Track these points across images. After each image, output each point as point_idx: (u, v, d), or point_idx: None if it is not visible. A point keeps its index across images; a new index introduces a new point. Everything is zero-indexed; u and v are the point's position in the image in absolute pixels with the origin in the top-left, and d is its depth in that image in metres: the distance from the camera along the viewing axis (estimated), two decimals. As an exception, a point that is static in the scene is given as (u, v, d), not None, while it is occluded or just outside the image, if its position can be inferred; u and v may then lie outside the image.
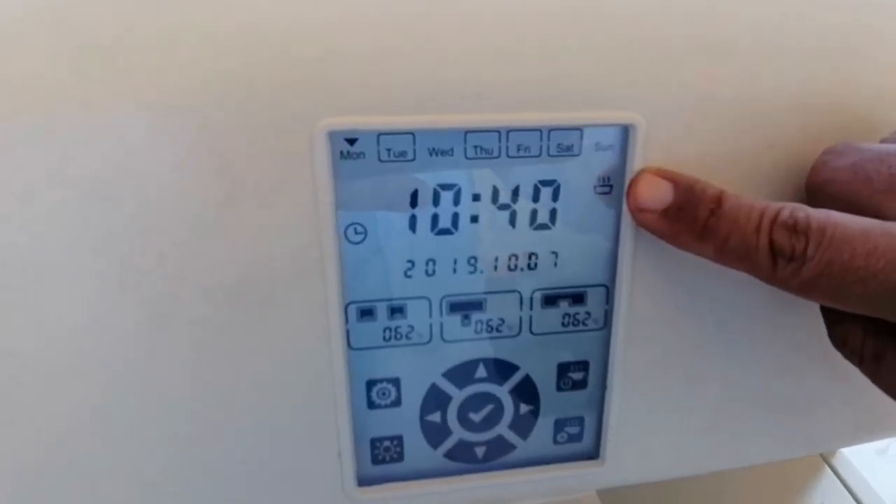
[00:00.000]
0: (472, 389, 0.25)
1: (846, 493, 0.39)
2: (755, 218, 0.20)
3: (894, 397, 0.21)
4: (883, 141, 0.23)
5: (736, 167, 0.23)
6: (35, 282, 0.21)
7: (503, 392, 0.26)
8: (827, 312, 0.23)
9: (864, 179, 0.21)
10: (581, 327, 0.25)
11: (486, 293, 0.24)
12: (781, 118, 0.23)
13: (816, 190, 0.23)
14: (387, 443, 0.26)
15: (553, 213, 0.23)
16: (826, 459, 0.41)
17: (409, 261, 0.23)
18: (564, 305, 0.25)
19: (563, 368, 0.26)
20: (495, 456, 0.27)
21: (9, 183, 0.20)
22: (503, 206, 0.23)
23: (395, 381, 0.25)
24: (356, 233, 0.22)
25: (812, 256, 0.19)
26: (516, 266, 0.24)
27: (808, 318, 0.25)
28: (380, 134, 0.21)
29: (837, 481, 0.40)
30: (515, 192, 0.23)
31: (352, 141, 0.21)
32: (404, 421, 0.25)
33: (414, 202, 0.22)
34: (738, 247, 0.20)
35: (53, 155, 0.20)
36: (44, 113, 0.19)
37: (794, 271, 0.19)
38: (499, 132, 0.22)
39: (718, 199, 0.21)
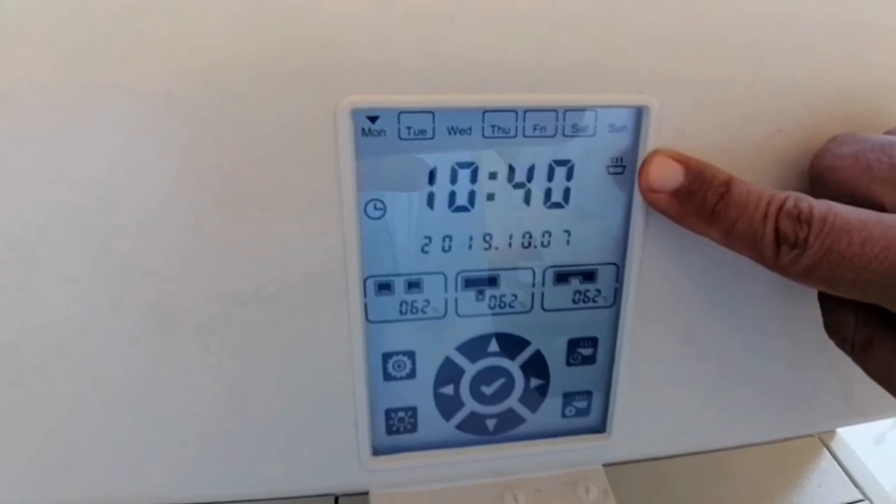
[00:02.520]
0: (484, 363, 0.26)
1: (844, 476, 0.40)
2: (763, 205, 0.21)
3: (881, 383, 0.22)
4: (888, 132, 0.24)
5: (746, 150, 0.24)
6: (46, 285, 0.22)
7: (514, 366, 0.26)
8: (822, 302, 0.24)
9: (864, 168, 0.21)
10: (591, 304, 0.26)
11: (500, 269, 0.25)
12: (791, 104, 0.24)
13: (819, 175, 0.23)
14: (401, 414, 0.26)
15: (567, 192, 0.24)
16: (825, 443, 0.42)
17: (427, 237, 0.24)
18: (576, 283, 0.25)
19: (573, 344, 0.26)
20: (505, 428, 0.27)
21: (15, 185, 0.20)
22: (518, 185, 0.23)
23: (411, 354, 0.25)
24: (376, 209, 0.23)
25: (813, 244, 0.20)
26: (530, 243, 0.24)
27: (810, 303, 0.26)
28: (400, 112, 0.22)
29: (836, 464, 0.41)
30: (531, 171, 0.23)
31: (373, 119, 0.22)
32: (418, 393, 0.26)
33: (432, 179, 0.23)
34: (745, 232, 0.21)
35: (56, 157, 0.20)
36: (45, 113, 0.20)
37: (795, 258, 0.20)
38: (516, 112, 0.22)
39: (728, 185, 0.22)
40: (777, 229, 0.21)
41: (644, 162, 0.23)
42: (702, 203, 0.22)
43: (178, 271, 0.22)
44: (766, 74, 0.23)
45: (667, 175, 0.22)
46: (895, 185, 0.21)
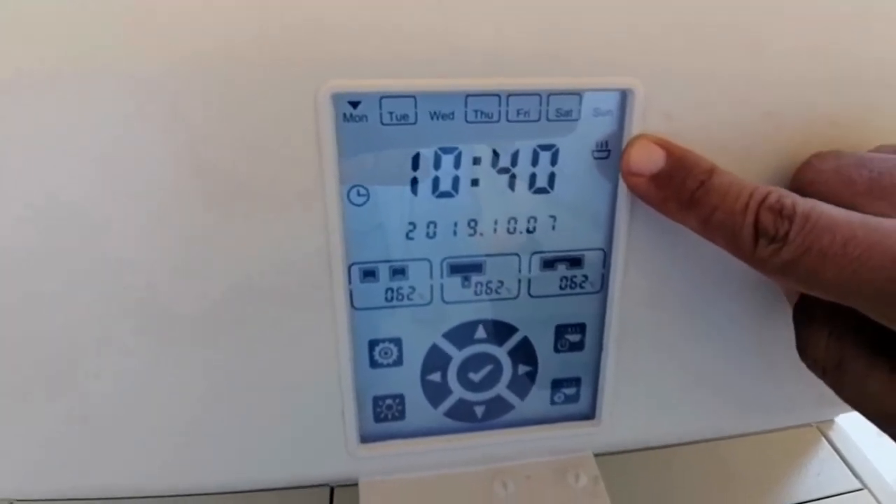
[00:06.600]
0: (471, 350, 0.26)
1: (843, 465, 0.39)
2: (744, 197, 0.21)
3: (857, 407, 0.21)
4: (874, 150, 0.23)
5: (733, 135, 0.24)
6: (40, 286, 0.22)
7: (502, 353, 0.26)
8: (795, 324, 0.24)
9: (845, 181, 0.21)
10: (578, 290, 0.26)
11: (486, 256, 0.25)
12: (779, 87, 0.23)
13: (801, 188, 0.23)
14: (388, 401, 0.26)
15: (552, 177, 0.24)
16: (823, 432, 0.42)
17: (411, 223, 0.24)
18: (562, 269, 0.25)
19: (561, 330, 0.26)
20: (494, 415, 0.27)
21: (22, 186, 0.20)
22: (503, 170, 0.23)
23: (397, 341, 0.25)
24: (359, 195, 0.23)
25: (793, 239, 0.19)
26: (515, 229, 0.24)
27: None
28: (382, 97, 0.21)
29: (834, 453, 0.40)
30: (515, 156, 0.23)
31: (355, 104, 0.21)
32: (406, 380, 0.26)
33: (415, 165, 0.23)
34: (723, 222, 0.21)
35: (49, 156, 0.20)
36: (42, 106, 0.20)
37: (773, 252, 0.20)
38: (499, 96, 0.22)
39: (709, 173, 0.22)
40: (757, 222, 0.20)
41: (626, 146, 0.23)
42: (680, 188, 0.22)
43: (162, 262, 0.22)
44: (753, 57, 0.23)
45: (648, 159, 0.22)
46: (875, 196, 0.21)
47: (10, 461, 0.25)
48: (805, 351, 0.23)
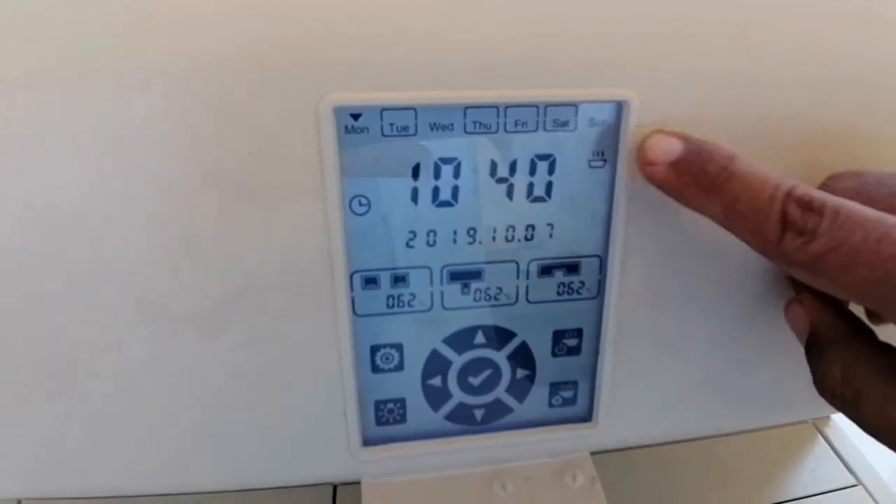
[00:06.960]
0: (471, 355, 0.27)
1: (838, 461, 0.40)
2: (770, 186, 0.20)
3: (880, 437, 0.20)
4: None
5: (731, 137, 0.23)
6: (45, 287, 0.22)
7: (501, 357, 0.27)
8: (808, 357, 0.23)
9: (865, 200, 0.20)
10: (575, 296, 0.26)
11: (485, 263, 0.25)
12: (776, 88, 0.24)
13: None
14: (390, 405, 0.27)
15: (549, 186, 0.24)
16: (819, 429, 0.42)
17: (411, 231, 0.24)
18: (559, 275, 0.26)
19: (558, 335, 0.27)
20: (493, 418, 0.28)
21: (22, 186, 0.21)
22: (501, 180, 0.24)
23: (398, 347, 0.26)
24: (360, 204, 0.23)
25: (824, 233, 0.19)
26: (513, 237, 0.25)
27: (792, 292, 0.26)
28: (383, 109, 0.22)
29: (830, 450, 0.41)
30: (513, 166, 0.23)
31: (356, 116, 0.22)
32: (407, 384, 0.27)
33: (416, 175, 0.23)
34: (748, 210, 0.20)
35: (54, 161, 0.20)
36: (42, 106, 0.20)
37: (802, 244, 0.19)
38: (497, 107, 0.22)
39: (731, 159, 0.21)
40: (784, 213, 0.19)
41: (641, 141, 0.23)
42: (701, 173, 0.21)
43: (168, 269, 0.23)
44: (747, 62, 0.23)
45: (665, 147, 0.22)
46: None
47: (14, 461, 0.26)
48: (822, 385, 0.22)
